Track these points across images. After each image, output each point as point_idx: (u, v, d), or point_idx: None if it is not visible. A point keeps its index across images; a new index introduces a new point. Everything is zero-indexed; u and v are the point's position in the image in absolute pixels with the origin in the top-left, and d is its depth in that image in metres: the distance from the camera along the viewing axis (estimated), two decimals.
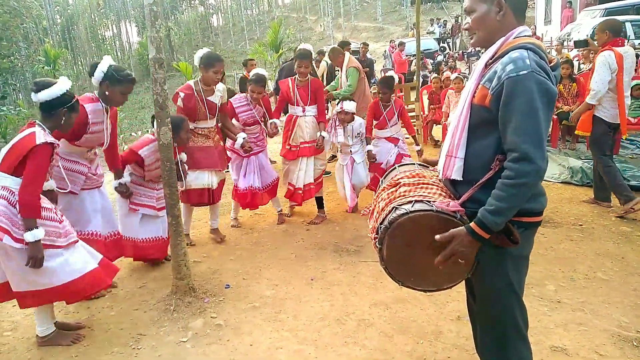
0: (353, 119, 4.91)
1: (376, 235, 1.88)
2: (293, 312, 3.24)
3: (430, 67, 16.53)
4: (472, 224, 1.66)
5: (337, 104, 4.95)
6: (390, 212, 1.84)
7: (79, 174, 3.38)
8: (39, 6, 36.28)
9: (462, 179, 1.79)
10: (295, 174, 4.90)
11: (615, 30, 4.63)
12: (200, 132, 4.36)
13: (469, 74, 13.94)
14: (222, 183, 4.58)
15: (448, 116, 7.41)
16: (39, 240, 2.58)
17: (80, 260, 2.80)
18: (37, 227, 2.59)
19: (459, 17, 24.71)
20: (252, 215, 5.36)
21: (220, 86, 4.43)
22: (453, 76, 7.73)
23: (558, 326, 2.92)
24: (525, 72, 1.58)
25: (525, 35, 1.74)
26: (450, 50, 21.90)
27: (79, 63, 46.35)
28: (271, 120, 4.86)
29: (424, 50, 17.41)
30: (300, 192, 4.88)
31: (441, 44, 22.11)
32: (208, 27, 47.22)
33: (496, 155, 1.70)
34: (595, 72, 4.60)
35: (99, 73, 3.31)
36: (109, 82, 3.31)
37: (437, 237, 1.70)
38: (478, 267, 1.81)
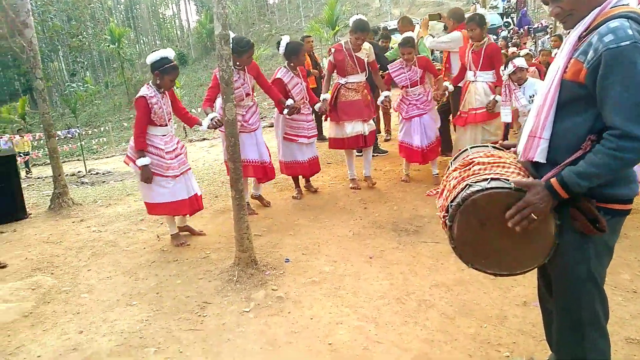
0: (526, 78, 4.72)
1: (446, 214, 1.79)
2: (352, 288, 3.25)
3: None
4: (552, 179, 1.57)
5: (505, 66, 4.74)
6: (463, 189, 1.75)
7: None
8: None
9: (545, 162, 1.68)
10: (466, 142, 4.86)
11: None
12: (350, 87, 4.96)
13: (536, 50, 13.26)
14: (373, 132, 5.18)
15: None
16: (146, 165, 3.77)
17: (179, 190, 3.94)
18: (144, 157, 3.78)
19: None
20: (306, 192, 5.39)
21: (366, 45, 4.94)
22: (523, 52, 7.31)
23: (634, 317, 2.75)
24: (627, 43, 1.44)
25: (623, 4, 1.58)
26: (514, 25, 20.83)
27: (141, 41, 47.98)
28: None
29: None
30: None
31: (505, 19, 21.05)
32: (264, 5, 47.34)
33: (588, 135, 1.58)
34: None
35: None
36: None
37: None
38: (558, 253, 1.71)
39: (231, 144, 3.40)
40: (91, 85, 23.60)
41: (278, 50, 4.85)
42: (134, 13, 47.10)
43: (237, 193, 3.42)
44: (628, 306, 2.88)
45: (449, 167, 2.08)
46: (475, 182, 1.73)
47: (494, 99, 4.69)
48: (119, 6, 45.78)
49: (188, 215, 4.27)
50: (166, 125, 3.97)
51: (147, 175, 3.82)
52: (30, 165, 14.83)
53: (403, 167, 5.41)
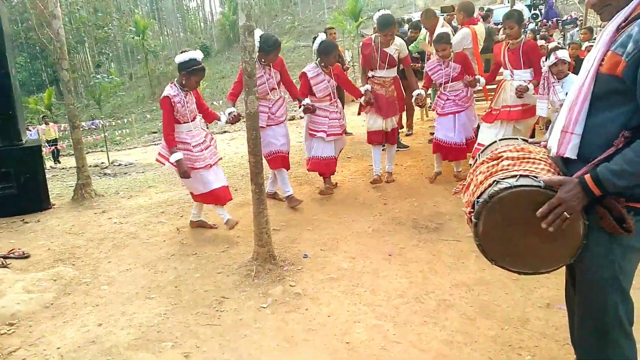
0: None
1: (472, 210, 1.76)
2: (371, 286, 3.21)
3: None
4: (586, 176, 1.51)
5: (546, 58, 4.63)
6: (490, 185, 1.70)
7: (262, 113, 4.44)
8: None
9: (576, 158, 1.62)
10: (490, 136, 4.74)
11: None
12: (375, 81, 4.95)
13: (564, 43, 12.90)
14: (395, 129, 5.18)
15: None
16: (180, 159, 3.86)
17: (210, 180, 4.06)
18: (176, 152, 3.87)
19: None
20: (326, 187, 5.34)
21: (398, 40, 4.92)
22: (552, 45, 7.07)
23: None
24: None
25: None
26: (542, 17, 20.30)
27: (165, 33, 48.46)
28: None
29: None
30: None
31: (533, 11, 20.52)
32: None
33: (621, 131, 1.50)
34: None
35: None
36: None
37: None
38: (584, 253, 1.65)
39: (252, 137, 3.38)
40: (116, 76, 23.85)
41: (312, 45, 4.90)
42: (159, 5, 47.55)
43: (257, 187, 3.41)
44: None
45: (476, 160, 2.03)
46: (504, 179, 1.68)
47: (526, 85, 4.50)
48: None
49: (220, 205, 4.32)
50: (190, 121, 4.03)
51: (183, 169, 3.89)
52: (58, 156, 15.15)
53: (435, 165, 5.25)
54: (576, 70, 7.00)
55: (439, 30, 6.12)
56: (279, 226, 4.30)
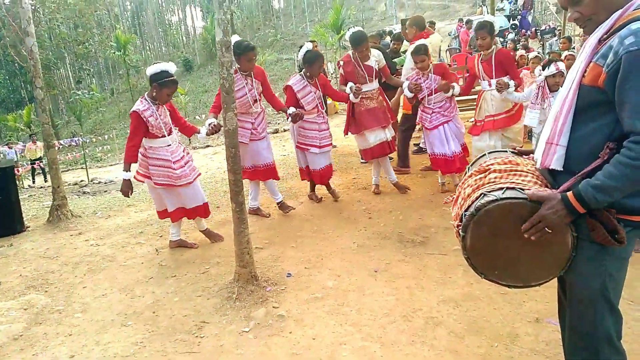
0: None
1: (459, 223, 1.74)
2: (356, 305, 3.11)
3: (499, 45, 15.65)
4: (568, 193, 1.50)
5: (543, 67, 4.46)
6: (477, 198, 1.70)
7: (245, 129, 4.50)
8: None
9: (562, 169, 1.61)
10: (480, 149, 4.78)
11: None
12: (364, 96, 4.88)
13: (543, 52, 13.08)
14: (393, 139, 5.09)
15: None
16: (128, 179, 3.84)
17: (189, 197, 3.98)
18: (129, 171, 3.84)
19: None
20: (310, 201, 5.25)
21: (375, 52, 4.91)
22: (531, 55, 7.14)
23: None
24: None
25: None
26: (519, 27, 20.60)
27: (147, 48, 48.24)
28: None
29: None
30: None
31: (512, 21, 20.87)
32: (269, 10, 47.44)
33: (606, 143, 1.50)
34: None
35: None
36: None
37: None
38: (573, 265, 1.64)
39: (232, 155, 3.28)
40: (97, 92, 23.64)
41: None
42: (141, 20, 47.36)
43: (238, 206, 3.30)
44: None
45: (465, 173, 2.02)
46: (491, 191, 1.68)
47: (507, 82, 4.43)
48: (125, 13, 46.05)
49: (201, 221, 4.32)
50: (167, 135, 3.91)
51: (126, 190, 3.88)
52: (35, 174, 14.79)
53: (439, 178, 5.19)
54: None
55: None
56: (262, 244, 4.19)
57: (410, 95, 4.82)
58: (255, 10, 44.36)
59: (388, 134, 4.99)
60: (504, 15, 21.13)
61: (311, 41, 8.03)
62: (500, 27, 18.47)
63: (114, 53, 34.53)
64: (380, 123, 4.92)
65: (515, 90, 4.55)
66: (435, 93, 4.86)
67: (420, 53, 4.71)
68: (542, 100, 4.35)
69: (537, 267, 1.68)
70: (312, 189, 5.27)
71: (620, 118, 1.45)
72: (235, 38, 4.29)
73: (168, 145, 3.92)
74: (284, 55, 32.93)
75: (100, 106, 31.38)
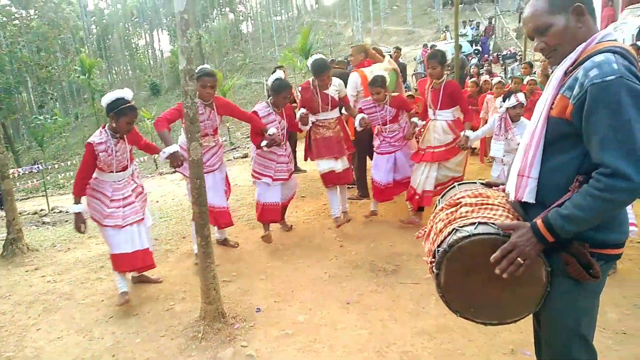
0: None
1: (433, 259, 1.71)
2: (329, 341, 3.00)
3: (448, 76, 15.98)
4: (537, 221, 1.50)
5: (504, 98, 4.47)
6: (450, 233, 1.67)
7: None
8: (75, 17, 37.31)
9: (535, 202, 1.59)
10: (418, 177, 4.77)
11: None
12: (320, 124, 4.76)
13: (505, 77, 13.48)
14: (348, 169, 4.90)
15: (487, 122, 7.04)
16: (79, 212, 3.56)
17: (121, 242, 3.55)
18: (79, 203, 3.56)
19: (492, 19, 24.07)
20: (279, 229, 5.14)
21: (336, 81, 4.76)
22: (495, 80, 7.29)
23: None
24: (612, 77, 1.37)
25: (609, 40, 1.52)
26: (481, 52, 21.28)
27: (113, 72, 47.55)
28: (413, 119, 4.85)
29: None
30: (417, 197, 4.80)
31: (474, 47, 21.56)
32: (238, 34, 47.63)
33: (576, 176, 1.50)
34: None
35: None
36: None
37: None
38: (548, 301, 1.62)
39: (196, 186, 3.16)
40: (60, 117, 22.85)
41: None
42: (107, 43, 46.72)
43: (204, 239, 3.17)
44: (619, 350, 2.73)
45: (436, 206, 2.00)
46: (463, 226, 1.66)
47: (465, 135, 4.47)
48: (90, 37, 45.34)
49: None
50: (115, 172, 3.60)
51: (78, 225, 3.60)
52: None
53: (408, 204, 5.17)
54: None
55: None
56: (229, 277, 4.03)
57: (360, 129, 4.77)
58: (223, 35, 44.37)
59: (340, 164, 4.79)
60: (467, 41, 21.83)
61: (279, 67, 8.02)
62: (463, 52, 19.04)
63: (79, 77, 33.82)
64: (332, 153, 4.74)
65: (472, 128, 4.60)
66: (388, 124, 4.82)
67: (377, 85, 4.65)
68: (505, 131, 4.39)
69: (513, 304, 1.65)
70: (266, 227, 4.74)
71: (589, 149, 1.46)
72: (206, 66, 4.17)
73: (114, 182, 3.62)
74: (253, 79, 32.96)
75: (64, 131, 30.47)
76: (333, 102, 4.75)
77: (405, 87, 9.02)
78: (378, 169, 4.95)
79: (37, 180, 15.44)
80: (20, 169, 12.72)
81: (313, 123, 4.81)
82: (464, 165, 4.95)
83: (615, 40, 1.52)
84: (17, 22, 30.82)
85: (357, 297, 3.54)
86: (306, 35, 20.48)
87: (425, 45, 20.46)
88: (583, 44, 1.52)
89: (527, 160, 1.61)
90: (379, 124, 4.89)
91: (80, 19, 40.10)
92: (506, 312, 1.69)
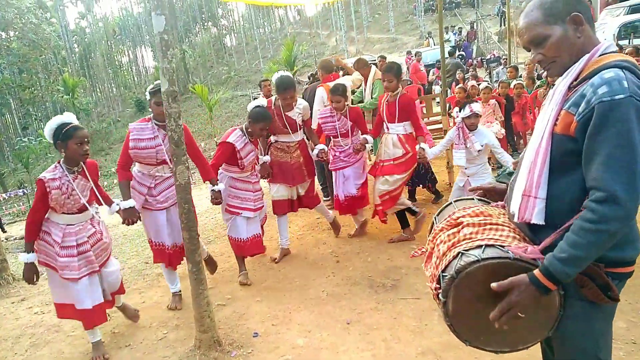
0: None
1: (438, 286, 1.61)
2: None
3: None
4: (536, 272, 1.40)
5: (460, 109, 4.44)
6: (455, 257, 1.57)
7: (139, 194, 3.65)
8: (57, 37, 36.99)
9: (544, 223, 1.50)
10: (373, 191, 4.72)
11: None
12: (279, 147, 4.57)
13: (491, 80, 13.55)
14: (305, 195, 4.74)
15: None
16: (31, 263, 3.05)
17: (81, 293, 3.08)
18: (31, 251, 3.07)
19: (474, 24, 24.35)
20: (273, 249, 5.02)
21: (301, 103, 4.55)
22: (482, 85, 7.26)
23: None
24: (622, 96, 1.29)
25: (612, 52, 1.45)
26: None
27: (97, 90, 47.21)
28: (364, 136, 4.74)
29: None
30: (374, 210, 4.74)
31: (458, 52, 21.73)
32: (222, 48, 47.65)
33: (585, 194, 1.41)
34: None
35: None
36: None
37: (494, 285, 1.44)
38: (562, 324, 1.53)
39: (185, 211, 3.04)
40: (44, 138, 22.65)
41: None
42: (89, 62, 46.39)
43: (195, 266, 3.04)
44: None
45: (433, 223, 1.91)
46: (469, 250, 1.56)
47: (420, 147, 4.41)
48: (73, 56, 44.99)
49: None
50: (68, 213, 3.09)
51: (29, 276, 3.07)
52: None
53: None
54: (507, 108, 7.23)
55: (371, 78, 6.11)
56: (224, 300, 3.91)
57: (316, 158, 4.67)
58: (207, 49, 44.38)
59: (294, 192, 4.63)
60: (450, 46, 22.01)
61: (264, 80, 7.83)
62: (446, 57, 19.11)
63: (62, 97, 33.51)
64: (286, 181, 4.55)
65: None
66: (342, 137, 4.71)
67: (337, 94, 4.56)
68: (464, 140, 4.38)
69: (525, 330, 1.57)
70: (241, 266, 4.33)
71: (586, 170, 1.38)
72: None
73: (68, 225, 3.09)
74: (239, 92, 32.92)
75: (49, 152, 30.13)
76: (292, 126, 4.50)
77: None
78: (334, 184, 4.94)
79: (22, 205, 15.16)
80: (5, 194, 12.46)
81: (271, 144, 4.63)
82: (402, 185, 4.67)
83: (617, 52, 1.46)
84: None
85: (357, 317, 3.44)
86: (290, 47, 20.54)
87: (409, 52, 20.60)
88: (587, 56, 1.45)
89: (532, 180, 1.52)
90: (332, 136, 4.81)
91: (62, 38, 39.78)
92: (518, 339, 1.60)
